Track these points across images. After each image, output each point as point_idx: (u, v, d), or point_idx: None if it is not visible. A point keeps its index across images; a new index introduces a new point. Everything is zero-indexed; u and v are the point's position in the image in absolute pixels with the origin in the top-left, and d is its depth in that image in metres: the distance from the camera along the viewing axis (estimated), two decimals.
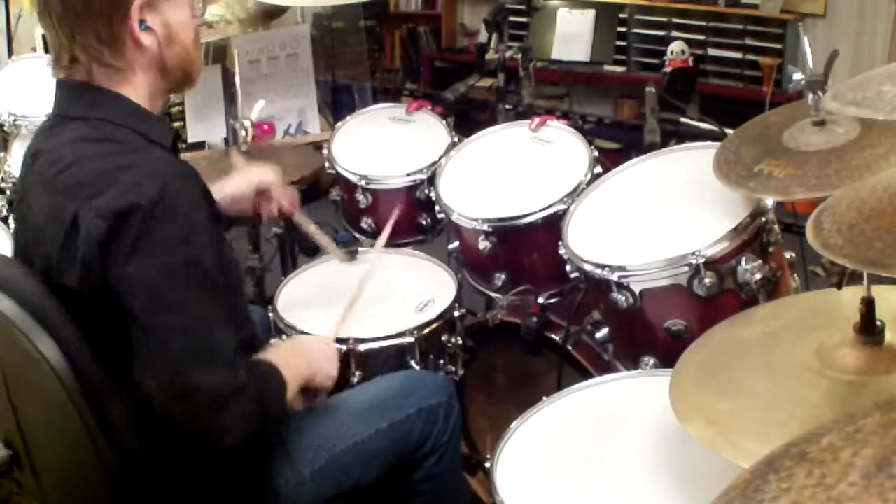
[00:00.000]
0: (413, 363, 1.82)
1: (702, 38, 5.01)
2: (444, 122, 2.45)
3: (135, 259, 1.22)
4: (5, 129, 2.71)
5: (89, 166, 1.27)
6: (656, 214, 1.73)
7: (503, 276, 2.00)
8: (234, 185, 1.79)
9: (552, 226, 1.84)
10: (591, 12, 4.20)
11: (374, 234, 2.37)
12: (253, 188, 1.80)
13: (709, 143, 1.79)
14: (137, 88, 1.37)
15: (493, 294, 2.07)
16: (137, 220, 1.21)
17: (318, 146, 2.68)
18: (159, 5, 1.35)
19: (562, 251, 1.73)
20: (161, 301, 1.24)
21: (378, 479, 1.60)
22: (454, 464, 1.70)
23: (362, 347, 1.79)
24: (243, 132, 2.48)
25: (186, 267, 1.25)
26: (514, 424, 1.43)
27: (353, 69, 5.22)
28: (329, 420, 1.58)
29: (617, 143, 3.95)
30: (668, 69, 4.51)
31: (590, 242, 1.71)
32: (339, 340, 1.79)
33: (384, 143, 2.45)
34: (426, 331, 1.84)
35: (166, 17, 1.36)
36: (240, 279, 1.56)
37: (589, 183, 1.91)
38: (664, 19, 5.13)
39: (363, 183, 2.29)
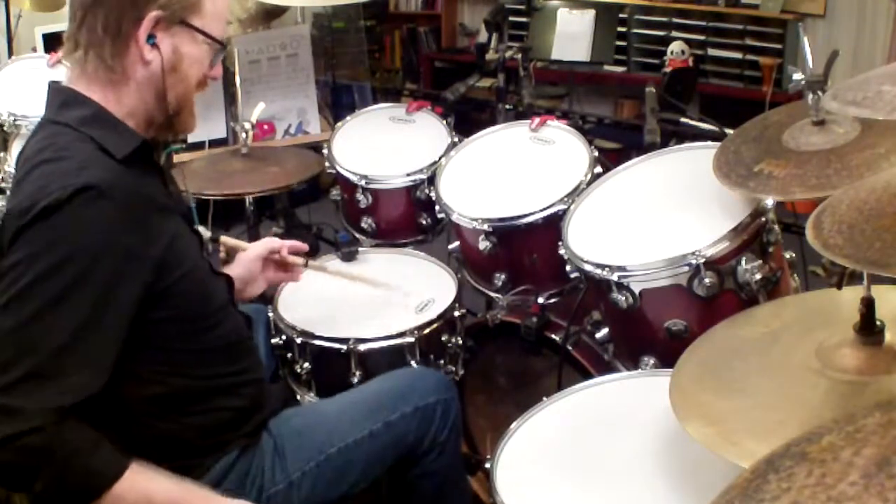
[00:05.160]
0: (413, 363, 1.82)
1: (702, 38, 5.00)
2: (444, 122, 2.45)
3: (11, 251, 1.20)
4: (5, 129, 2.72)
5: (29, 172, 1.27)
6: (656, 214, 1.73)
7: (503, 276, 2.00)
8: (238, 269, 1.73)
9: (552, 226, 1.84)
10: (591, 12, 4.20)
11: (374, 235, 2.38)
12: (258, 262, 1.78)
13: (709, 143, 1.79)
14: (123, 98, 1.34)
15: (493, 294, 2.07)
16: (31, 216, 1.19)
17: (317, 146, 2.68)
18: (176, 30, 1.33)
19: (562, 251, 1.73)
20: (8, 290, 1.18)
21: (377, 477, 1.60)
22: (454, 460, 1.70)
23: (362, 347, 1.80)
24: (243, 134, 2.49)
25: (51, 273, 1.18)
26: (514, 424, 1.43)
27: (353, 69, 5.21)
28: (324, 422, 1.57)
29: (617, 143, 3.95)
30: (668, 69, 4.50)
31: (590, 242, 1.71)
32: (339, 339, 1.80)
33: (384, 143, 2.45)
34: (426, 331, 1.85)
35: (178, 45, 1.34)
36: (207, 302, 1.43)
37: (589, 183, 1.91)
38: (664, 19, 5.13)
39: (363, 183, 2.29)
